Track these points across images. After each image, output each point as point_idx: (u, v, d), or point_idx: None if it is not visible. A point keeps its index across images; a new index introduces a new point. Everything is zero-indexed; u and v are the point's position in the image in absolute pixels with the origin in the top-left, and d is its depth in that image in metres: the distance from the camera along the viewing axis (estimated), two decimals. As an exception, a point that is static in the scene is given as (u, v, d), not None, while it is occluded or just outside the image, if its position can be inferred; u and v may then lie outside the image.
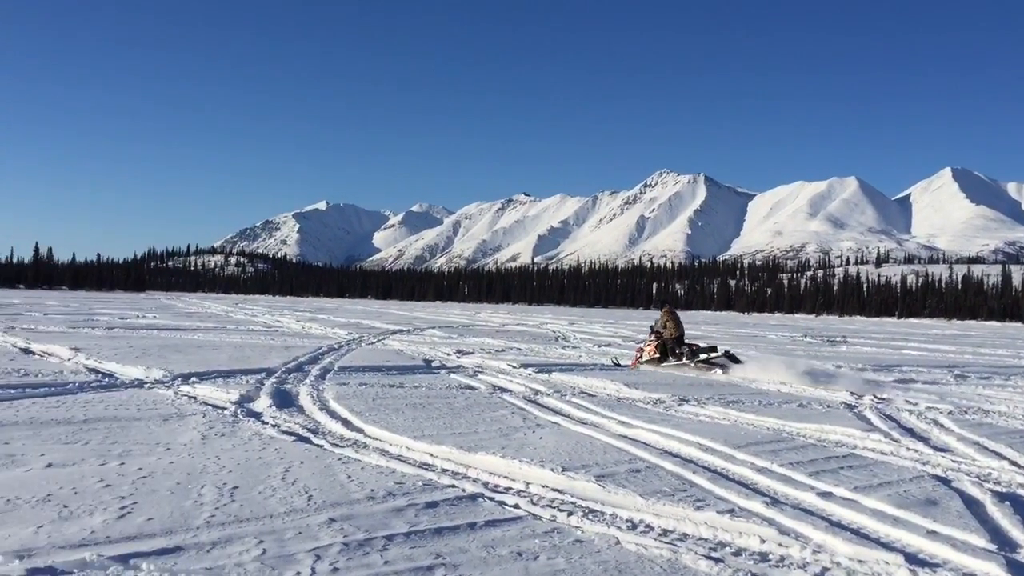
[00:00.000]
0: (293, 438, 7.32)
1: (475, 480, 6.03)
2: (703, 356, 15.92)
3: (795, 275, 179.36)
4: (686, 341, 17.01)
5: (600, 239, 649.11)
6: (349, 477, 5.82)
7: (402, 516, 4.92)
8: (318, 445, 7.06)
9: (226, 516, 4.76)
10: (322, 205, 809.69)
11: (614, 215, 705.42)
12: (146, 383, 10.83)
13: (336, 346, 18.42)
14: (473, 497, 5.46)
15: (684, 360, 16.12)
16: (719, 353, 15.85)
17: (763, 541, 4.77)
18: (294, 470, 5.97)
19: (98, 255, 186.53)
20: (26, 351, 14.84)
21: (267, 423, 8.10)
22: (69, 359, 13.60)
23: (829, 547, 4.69)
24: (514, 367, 14.70)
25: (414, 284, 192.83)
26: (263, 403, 9.40)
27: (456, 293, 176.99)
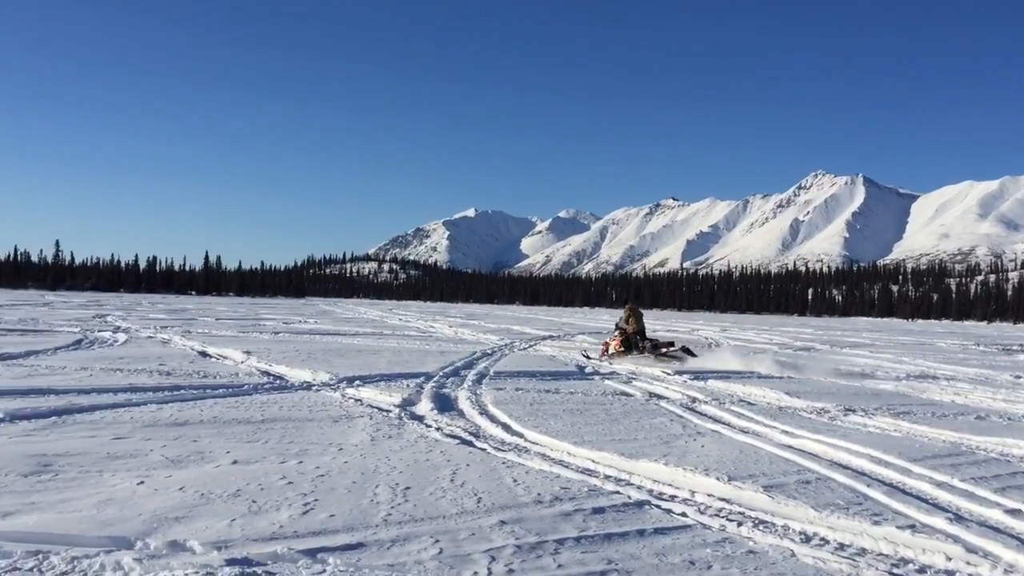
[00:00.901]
0: (456, 441, 7.51)
1: (639, 487, 6.02)
2: (662, 350, 17.40)
3: (964, 280, 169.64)
4: (648, 336, 18.46)
5: (751, 243, 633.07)
6: (515, 481, 5.92)
7: (570, 521, 4.97)
8: (481, 449, 7.21)
9: (402, 515, 4.94)
10: (471, 212, 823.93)
11: (766, 218, 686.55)
12: (314, 386, 11.33)
13: (489, 351, 18.72)
14: (639, 504, 5.45)
15: (646, 353, 17.43)
16: (676, 348, 17.53)
17: (949, 559, 4.56)
18: (461, 472, 6.13)
19: (261, 263, 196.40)
20: (203, 354, 15.78)
21: (430, 426, 8.34)
22: (242, 362, 14.38)
23: (1021, 567, 4.44)
24: (668, 374, 14.56)
25: (561, 290, 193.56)
26: (425, 407, 9.67)
27: (604, 299, 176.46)
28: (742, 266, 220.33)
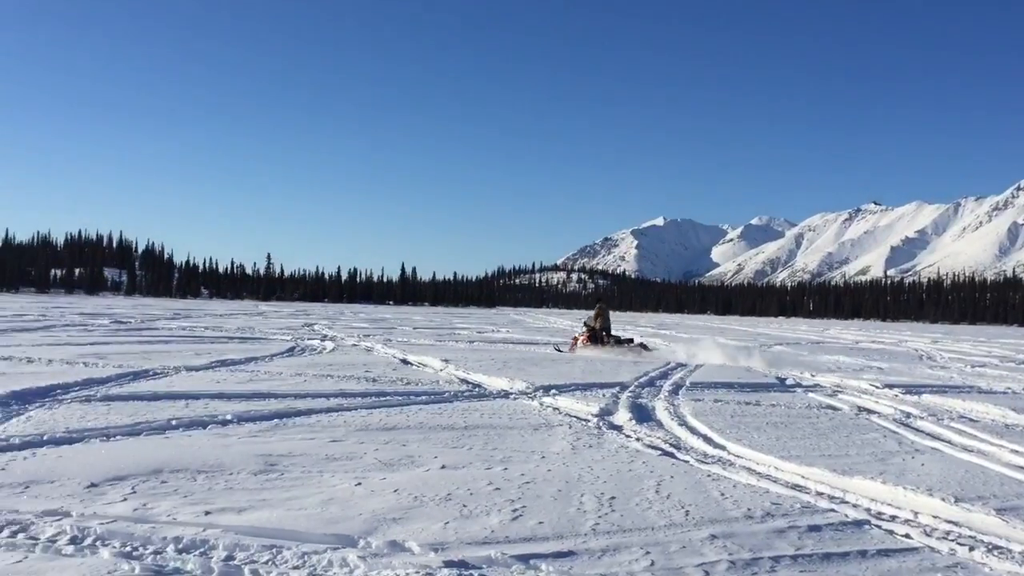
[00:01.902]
0: (658, 452, 7.44)
1: (855, 505, 5.74)
2: (623, 343, 21.18)
3: None
4: (611, 333, 21.93)
5: (964, 249, 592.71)
6: (722, 494, 5.80)
7: (785, 538, 4.82)
8: (684, 460, 7.11)
9: (609, 525, 4.95)
10: (659, 221, 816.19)
11: (980, 223, 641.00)
12: (511, 394, 11.55)
13: (683, 361, 18.43)
14: (858, 523, 5.21)
15: (610, 346, 20.99)
16: (635, 343, 21.37)
17: None
18: (666, 484, 6.06)
19: (454, 274, 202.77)
20: (404, 361, 16.43)
21: (629, 436, 8.30)
22: (441, 370, 14.85)
23: None
24: (877, 387, 13.82)
25: (755, 299, 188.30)
26: (623, 416, 9.64)
27: (800, 308, 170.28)
28: (954, 274, 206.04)
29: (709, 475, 6.47)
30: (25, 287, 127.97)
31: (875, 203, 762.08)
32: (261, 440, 7.32)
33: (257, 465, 6.27)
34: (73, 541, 4.39)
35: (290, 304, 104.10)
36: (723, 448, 7.85)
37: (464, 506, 5.28)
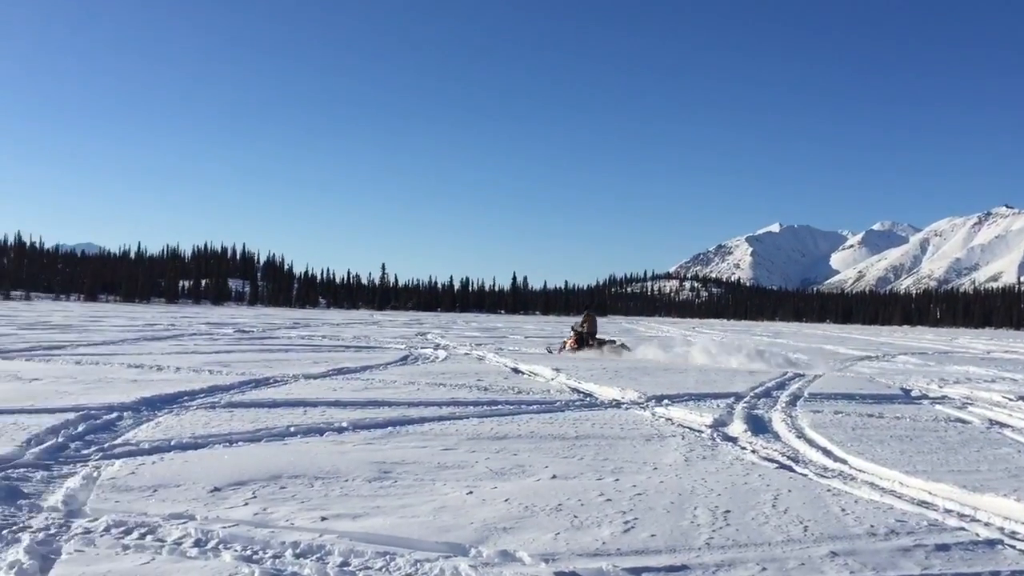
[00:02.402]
0: (774, 465, 7.24)
1: (987, 524, 5.46)
2: (605, 346, 23.50)
3: None
4: (597, 336, 24.49)
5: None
6: (843, 510, 5.60)
7: (910, 557, 4.61)
8: (802, 474, 6.90)
9: (724, 539, 4.84)
10: (775, 227, 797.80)
11: None
12: (622, 403, 11.45)
13: (801, 371, 17.93)
14: (990, 543, 4.94)
15: (594, 348, 23.38)
16: (617, 344, 23.86)
17: None
18: (783, 498, 5.89)
19: (565, 282, 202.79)
20: (515, 370, 16.50)
21: (744, 448, 8.11)
22: (552, 379, 14.85)
23: None
24: (1010, 399, 13.13)
25: (877, 307, 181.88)
26: (737, 427, 9.43)
27: (926, 317, 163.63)
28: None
29: (829, 489, 6.26)
30: (156, 298, 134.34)
31: (1007, 206, 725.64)
32: (376, 447, 7.46)
33: (371, 472, 6.39)
34: (197, 544, 4.56)
35: (404, 313, 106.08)
36: (844, 462, 7.59)
37: (575, 517, 5.25)
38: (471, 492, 5.84)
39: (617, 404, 11.37)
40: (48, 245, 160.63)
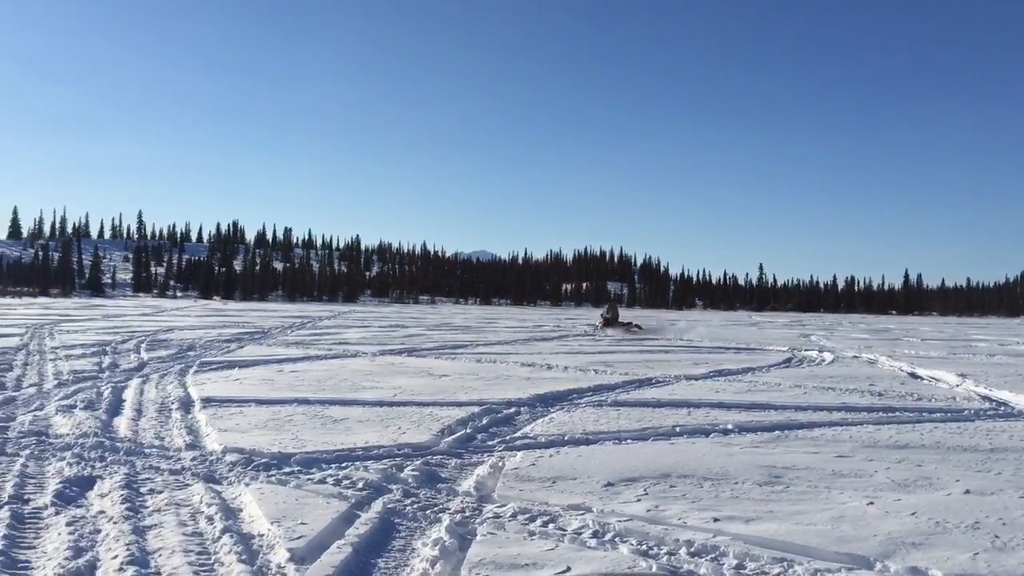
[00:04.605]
0: None
1: None
2: (627, 326, 31.94)
3: None
4: (620, 320, 33.30)
5: None
6: None
7: None
8: None
9: None
10: None
11: None
12: (1047, 414, 10.18)
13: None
14: None
15: (619, 328, 31.41)
16: (632, 325, 32.12)
17: None
18: None
19: (967, 279, 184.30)
20: (912, 375, 15.32)
21: None
22: (957, 385, 13.59)
23: None
24: None
25: None
26: None
27: None
28: None
29: None
30: (541, 301, 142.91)
31: None
32: (764, 451, 7.32)
33: (761, 476, 6.28)
34: (595, 535, 4.78)
35: (783, 314, 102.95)
36: None
37: (996, 537, 4.76)
38: (872, 503, 5.52)
39: (1040, 414, 10.13)
40: (448, 253, 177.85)
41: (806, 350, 22.73)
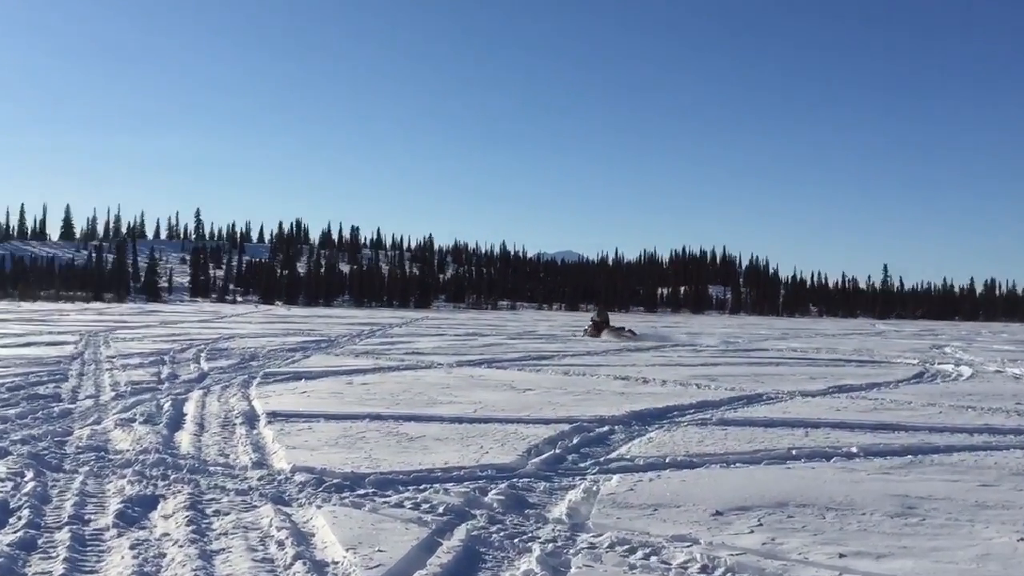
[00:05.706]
0: None
1: None
2: (617, 330, 32.16)
3: None
4: (610, 324, 33.10)
5: None
6: None
7: None
8: None
9: None
10: None
11: None
12: None
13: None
14: None
15: (608, 332, 31.68)
16: (625, 329, 32.69)
17: None
18: None
19: None
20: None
21: None
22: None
23: None
24: None
25: None
26: None
27: None
28: None
29: None
30: (634, 307, 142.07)
31: None
32: (894, 478, 7.16)
33: (892, 506, 6.14)
34: (704, 570, 4.74)
35: (912, 322, 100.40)
36: None
37: None
38: (1023, 539, 5.35)
39: None
40: (530, 253, 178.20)
41: (940, 363, 22.11)
